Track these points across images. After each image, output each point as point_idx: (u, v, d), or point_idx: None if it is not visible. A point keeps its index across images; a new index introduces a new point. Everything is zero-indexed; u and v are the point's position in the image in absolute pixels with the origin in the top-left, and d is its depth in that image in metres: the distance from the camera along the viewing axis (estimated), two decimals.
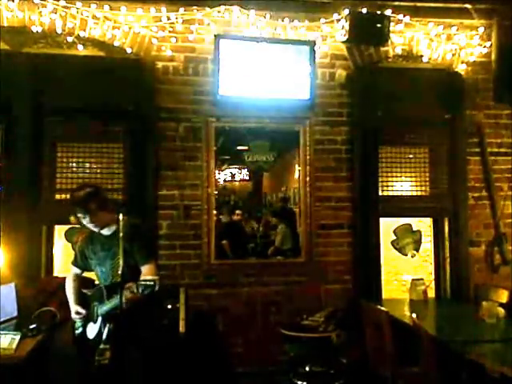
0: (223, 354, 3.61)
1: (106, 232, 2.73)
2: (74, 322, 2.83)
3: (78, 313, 2.79)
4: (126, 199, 3.97)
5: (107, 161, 4.07)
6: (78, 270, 2.95)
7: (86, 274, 3.05)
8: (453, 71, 4.43)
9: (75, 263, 2.95)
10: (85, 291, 2.88)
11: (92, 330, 2.69)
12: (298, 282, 4.16)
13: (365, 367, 3.41)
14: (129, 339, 2.51)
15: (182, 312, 3.26)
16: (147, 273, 2.60)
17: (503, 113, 4.52)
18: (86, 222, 2.62)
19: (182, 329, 3.17)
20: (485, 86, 4.45)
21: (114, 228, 2.69)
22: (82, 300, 2.85)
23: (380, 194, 4.35)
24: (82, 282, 2.97)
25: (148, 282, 2.39)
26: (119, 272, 2.37)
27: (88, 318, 2.75)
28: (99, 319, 2.64)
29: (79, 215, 2.62)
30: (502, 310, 3.29)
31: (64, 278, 3.00)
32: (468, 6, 4.30)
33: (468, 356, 2.63)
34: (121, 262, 2.37)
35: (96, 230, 2.70)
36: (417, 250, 4.51)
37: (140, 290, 2.36)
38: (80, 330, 2.77)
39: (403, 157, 4.51)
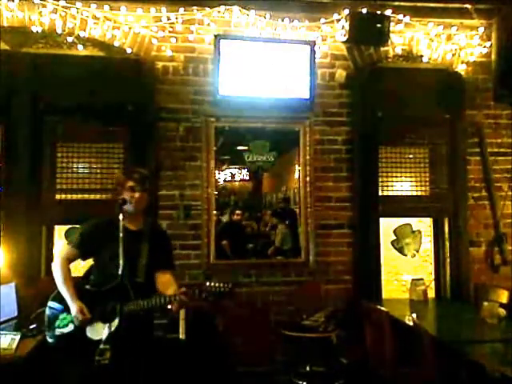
0: (223, 354, 3.61)
1: (132, 227, 2.58)
2: (52, 319, 2.50)
3: (82, 312, 2.41)
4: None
5: (107, 161, 4.07)
6: (73, 254, 2.55)
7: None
8: (453, 71, 4.43)
9: (77, 245, 2.54)
10: (86, 287, 2.58)
11: (99, 331, 2.40)
12: (298, 282, 4.17)
13: (365, 367, 3.41)
14: (129, 339, 2.49)
15: (181, 312, 3.24)
16: (168, 278, 2.56)
17: (503, 113, 4.52)
18: (135, 193, 2.51)
19: (182, 330, 3.16)
20: (485, 86, 4.46)
21: (140, 226, 2.61)
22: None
23: (380, 193, 4.35)
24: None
25: (221, 289, 2.30)
26: (142, 272, 2.33)
27: (91, 319, 2.44)
28: (116, 318, 2.33)
29: (136, 184, 2.52)
30: (503, 311, 3.29)
31: None
32: (468, 6, 4.30)
33: (468, 356, 2.63)
34: (144, 262, 2.33)
35: (131, 209, 2.53)
36: (417, 250, 4.52)
37: (206, 295, 2.29)
38: (70, 328, 2.47)
39: (403, 157, 4.51)
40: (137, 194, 2.52)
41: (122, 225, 2.35)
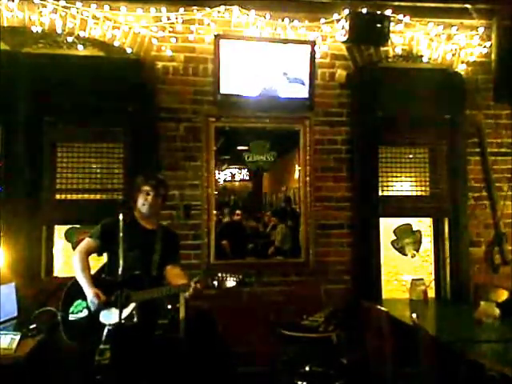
0: (223, 354, 3.61)
1: (148, 226, 2.83)
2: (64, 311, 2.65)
3: (98, 296, 2.58)
4: (126, 199, 3.97)
5: (107, 161, 4.08)
6: (93, 246, 2.77)
7: None
8: (453, 71, 4.43)
9: (99, 236, 2.75)
10: (102, 276, 2.75)
11: (113, 316, 2.52)
12: (298, 282, 4.17)
13: (365, 367, 3.41)
14: (130, 338, 2.49)
15: (181, 312, 3.25)
16: (179, 271, 2.79)
17: (503, 113, 4.51)
18: (149, 197, 2.74)
19: (182, 329, 3.17)
20: (485, 86, 4.45)
21: (154, 226, 2.84)
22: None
23: (380, 193, 4.35)
24: None
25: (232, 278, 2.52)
26: (155, 266, 2.59)
27: (106, 304, 2.59)
28: (132, 305, 2.54)
29: (151, 189, 2.74)
30: (497, 310, 3.27)
31: (64, 279, 2.97)
32: (468, 6, 4.30)
33: (468, 356, 2.63)
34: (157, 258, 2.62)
35: (145, 211, 2.77)
36: (417, 250, 4.52)
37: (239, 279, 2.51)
38: (84, 313, 2.61)
39: (403, 157, 4.51)
40: (149, 198, 2.75)
41: (138, 223, 2.76)
